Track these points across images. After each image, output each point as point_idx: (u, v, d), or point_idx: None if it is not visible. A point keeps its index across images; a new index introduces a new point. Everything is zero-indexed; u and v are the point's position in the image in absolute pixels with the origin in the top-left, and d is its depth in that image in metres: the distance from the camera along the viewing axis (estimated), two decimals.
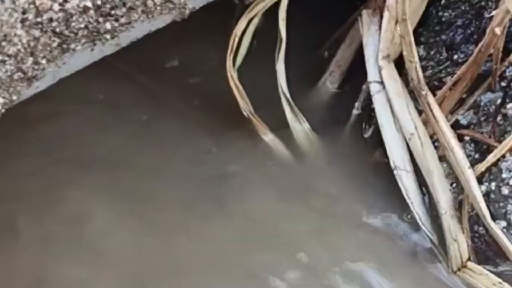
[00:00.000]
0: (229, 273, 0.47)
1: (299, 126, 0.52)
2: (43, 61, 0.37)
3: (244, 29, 0.49)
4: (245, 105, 0.50)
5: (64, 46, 0.37)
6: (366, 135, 0.54)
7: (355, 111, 0.55)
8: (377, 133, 0.50)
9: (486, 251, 0.44)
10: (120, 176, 0.52)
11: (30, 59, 0.36)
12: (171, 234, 0.48)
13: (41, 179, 0.51)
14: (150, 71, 0.61)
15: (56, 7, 0.34)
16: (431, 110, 0.43)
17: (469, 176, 0.41)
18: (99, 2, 0.36)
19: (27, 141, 0.54)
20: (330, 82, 0.58)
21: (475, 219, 0.43)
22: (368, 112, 0.52)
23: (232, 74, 0.49)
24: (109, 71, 0.52)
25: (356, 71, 0.55)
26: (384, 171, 0.49)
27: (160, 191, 0.53)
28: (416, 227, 0.48)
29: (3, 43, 0.35)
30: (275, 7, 0.48)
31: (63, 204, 0.50)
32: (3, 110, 0.38)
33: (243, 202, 0.51)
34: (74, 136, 0.56)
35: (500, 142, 0.43)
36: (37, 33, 0.35)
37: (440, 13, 0.49)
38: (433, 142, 0.45)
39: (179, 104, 0.59)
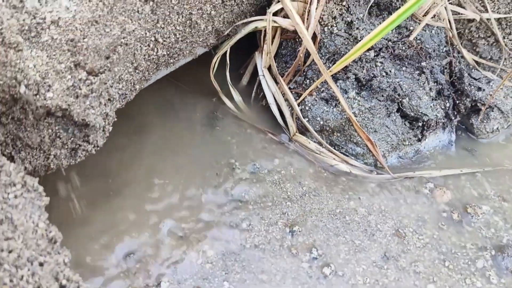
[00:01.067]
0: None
1: (236, 96, 1.15)
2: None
3: (215, 60, 1.08)
4: (217, 87, 1.11)
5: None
6: (260, 98, 1.22)
7: (254, 90, 1.24)
8: (264, 96, 1.18)
9: (303, 130, 1.13)
10: None
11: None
12: None
13: None
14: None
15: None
16: (281, 82, 1.11)
17: (294, 103, 1.09)
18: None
19: None
20: (244, 81, 1.26)
21: (298, 117, 1.10)
22: (261, 89, 1.20)
23: (212, 77, 1.07)
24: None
25: (254, 75, 1.23)
26: (267, 107, 1.17)
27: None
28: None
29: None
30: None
31: None
32: (138, 91, 0.99)
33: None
34: None
35: (304, 92, 1.12)
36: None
37: (283, 51, 1.12)
38: (283, 95, 1.14)
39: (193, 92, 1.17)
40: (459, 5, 1.20)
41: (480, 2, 1.21)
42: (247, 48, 1.15)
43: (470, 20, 1.20)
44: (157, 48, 0.89)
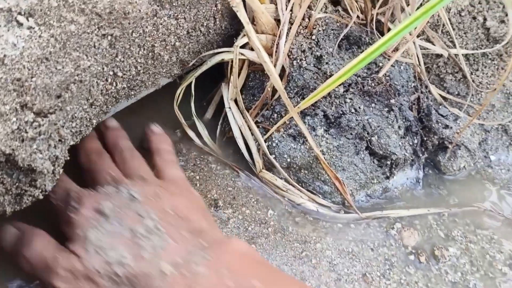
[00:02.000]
0: None
1: (202, 129, 1.07)
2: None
3: (179, 92, 1.02)
4: (181, 118, 1.05)
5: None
6: (225, 131, 1.17)
7: (220, 123, 1.19)
8: (230, 129, 1.13)
9: (270, 167, 1.09)
10: None
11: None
12: None
13: None
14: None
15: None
16: (247, 117, 1.07)
17: (261, 139, 1.03)
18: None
19: None
20: (209, 113, 1.21)
21: (264, 154, 1.07)
22: (227, 122, 1.15)
23: (175, 107, 1.02)
24: None
25: (219, 107, 1.18)
26: (233, 142, 1.12)
27: None
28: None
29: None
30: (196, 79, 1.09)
31: None
32: (96, 124, 0.94)
33: None
34: None
35: (272, 127, 1.08)
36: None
37: (250, 83, 1.05)
38: (250, 129, 1.10)
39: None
40: (428, 40, 1.19)
41: (449, 37, 1.21)
42: (210, 79, 1.11)
43: (438, 55, 1.20)
44: (116, 82, 0.84)
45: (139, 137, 1.05)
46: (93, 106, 0.81)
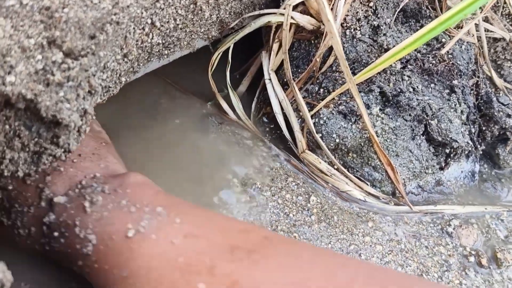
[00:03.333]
0: None
1: (236, 102, 0.95)
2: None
3: (216, 56, 0.90)
4: (214, 88, 0.93)
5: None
6: (262, 106, 1.04)
7: (256, 97, 1.07)
8: (269, 102, 0.95)
9: (313, 147, 0.97)
10: None
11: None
12: None
13: None
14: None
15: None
16: (294, 88, 0.89)
17: (307, 115, 0.88)
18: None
19: None
20: (243, 86, 1.06)
21: (309, 132, 0.92)
22: (264, 96, 1.01)
23: (210, 75, 0.90)
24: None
25: (255, 80, 1.05)
26: (271, 118, 0.99)
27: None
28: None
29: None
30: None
31: None
32: (124, 84, 0.76)
33: None
34: None
35: (319, 103, 0.97)
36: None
37: (294, 53, 0.93)
38: (292, 104, 0.99)
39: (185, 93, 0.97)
40: (486, 21, 1.08)
41: (508, 20, 1.09)
42: (243, 50, 0.99)
43: (497, 40, 1.09)
44: (152, 34, 0.71)
45: (165, 109, 0.93)
46: (126, 59, 0.69)
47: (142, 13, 0.66)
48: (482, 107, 0.99)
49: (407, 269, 0.79)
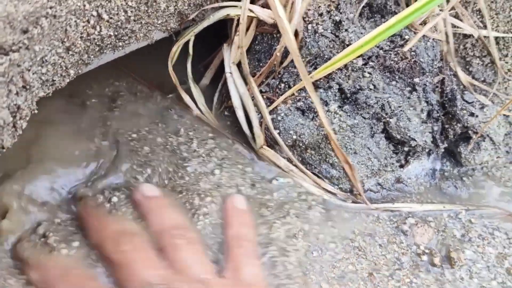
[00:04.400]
0: None
1: (197, 95, 0.94)
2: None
3: (176, 49, 0.87)
4: (176, 81, 0.91)
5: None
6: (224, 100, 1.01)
7: (218, 90, 1.06)
8: (228, 96, 0.94)
9: (272, 143, 0.92)
10: None
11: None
12: None
13: None
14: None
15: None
16: (251, 83, 0.87)
17: (265, 110, 0.86)
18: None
19: None
20: (206, 79, 1.04)
21: (267, 128, 0.89)
22: (226, 89, 0.98)
23: (170, 68, 0.89)
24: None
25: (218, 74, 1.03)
26: (232, 112, 0.97)
27: None
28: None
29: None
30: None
31: None
32: (75, 76, 0.70)
33: None
34: None
35: (279, 98, 0.89)
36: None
37: (257, 47, 0.92)
38: (252, 98, 0.97)
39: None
40: (456, 17, 1.06)
41: (478, 17, 1.08)
42: (209, 41, 0.97)
43: (466, 36, 1.08)
44: (100, 26, 0.70)
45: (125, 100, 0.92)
46: (70, 52, 0.67)
47: (84, 5, 0.64)
48: (446, 105, 0.98)
49: (357, 267, 0.80)
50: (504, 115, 1.05)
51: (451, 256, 0.85)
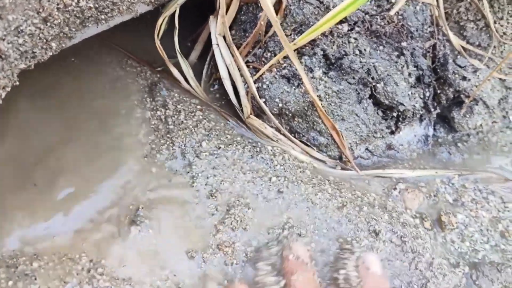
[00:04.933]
0: None
1: (186, 68, 0.94)
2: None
3: (161, 22, 0.87)
4: (164, 55, 0.91)
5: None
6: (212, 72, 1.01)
7: (207, 63, 1.05)
8: (217, 68, 0.93)
9: (259, 113, 0.92)
10: None
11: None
12: None
13: None
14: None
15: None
16: (235, 53, 0.86)
17: (250, 79, 0.85)
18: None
19: None
20: (195, 54, 1.04)
21: (253, 97, 0.88)
22: (214, 62, 0.97)
23: (157, 42, 0.89)
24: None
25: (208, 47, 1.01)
26: (221, 84, 0.97)
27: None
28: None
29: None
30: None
31: None
32: (58, 50, 0.72)
33: None
34: None
35: (262, 66, 0.94)
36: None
37: (242, 17, 0.91)
38: (239, 68, 0.96)
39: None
40: None
41: None
42: (198, 15, 0.97)
43: (459, 0, 1.05)
44: None
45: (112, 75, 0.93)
46: (49, 24, 0.68)
47: None
48: (438, 70, 0.97)
49: (342, 227, 0.80)
50: (500, 79, 1.03)
51: (442, 220, 0.85)
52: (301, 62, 0.83)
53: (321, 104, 0.83)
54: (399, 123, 0.91)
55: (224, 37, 0.92)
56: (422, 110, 0.93)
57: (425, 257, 0.77)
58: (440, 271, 0.76)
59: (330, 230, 0.79)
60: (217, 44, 0.91)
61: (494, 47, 1.05)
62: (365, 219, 0.80)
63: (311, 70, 0.84)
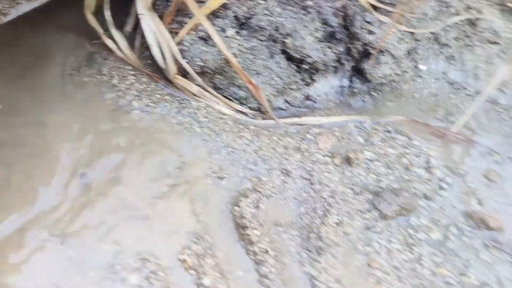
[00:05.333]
0: None
1: (119, 37, 1.04)
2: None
3: None
4: (97, 27, 1.04)
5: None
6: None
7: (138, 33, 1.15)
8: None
9: (184, 73, 1.07)
10: None
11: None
12: None
13: None
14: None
15: None
16: (154, 19, 1.02)
17: (171, 43, 0.98)
18: None
19: None
20: (129, 26, 1.16)
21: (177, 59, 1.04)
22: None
23: (89, 15, 1.02)
24: None
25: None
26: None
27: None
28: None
29: None
30: None
31: None
32: None
33: None
34: None
35: (188, 33, 1.05)
36: None
37: None
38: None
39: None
40: None
41: None
42: None
43: None
44: None
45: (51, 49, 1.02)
46: None
47: None
48: (349, 27, 1.07)
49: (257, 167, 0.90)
50: (410, 32, 1.13)
51: (349, 157, 0.95)
52: (214, 24, 0.93)
53: (237, 61, 0.93)
54: (313, 76, 1.02)
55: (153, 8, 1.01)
56: (335, 63, 1.03)
57: (330, 187, 0.88)
58: (342, 198, 0.87)
59: (246, 171, 0.89)
60: (143, 14, 1.01)
61: (405, 3, 1.15)
62: (278, 159, 0.91)
63: (223, 30, 0.94)
